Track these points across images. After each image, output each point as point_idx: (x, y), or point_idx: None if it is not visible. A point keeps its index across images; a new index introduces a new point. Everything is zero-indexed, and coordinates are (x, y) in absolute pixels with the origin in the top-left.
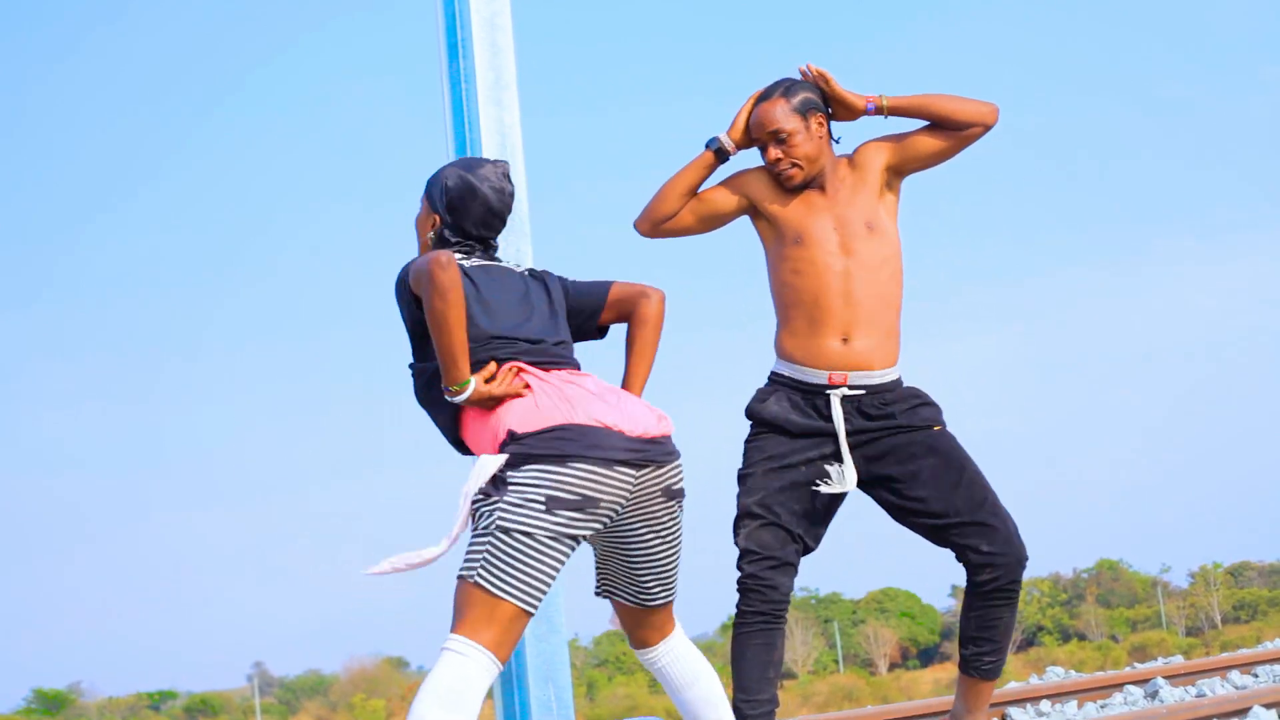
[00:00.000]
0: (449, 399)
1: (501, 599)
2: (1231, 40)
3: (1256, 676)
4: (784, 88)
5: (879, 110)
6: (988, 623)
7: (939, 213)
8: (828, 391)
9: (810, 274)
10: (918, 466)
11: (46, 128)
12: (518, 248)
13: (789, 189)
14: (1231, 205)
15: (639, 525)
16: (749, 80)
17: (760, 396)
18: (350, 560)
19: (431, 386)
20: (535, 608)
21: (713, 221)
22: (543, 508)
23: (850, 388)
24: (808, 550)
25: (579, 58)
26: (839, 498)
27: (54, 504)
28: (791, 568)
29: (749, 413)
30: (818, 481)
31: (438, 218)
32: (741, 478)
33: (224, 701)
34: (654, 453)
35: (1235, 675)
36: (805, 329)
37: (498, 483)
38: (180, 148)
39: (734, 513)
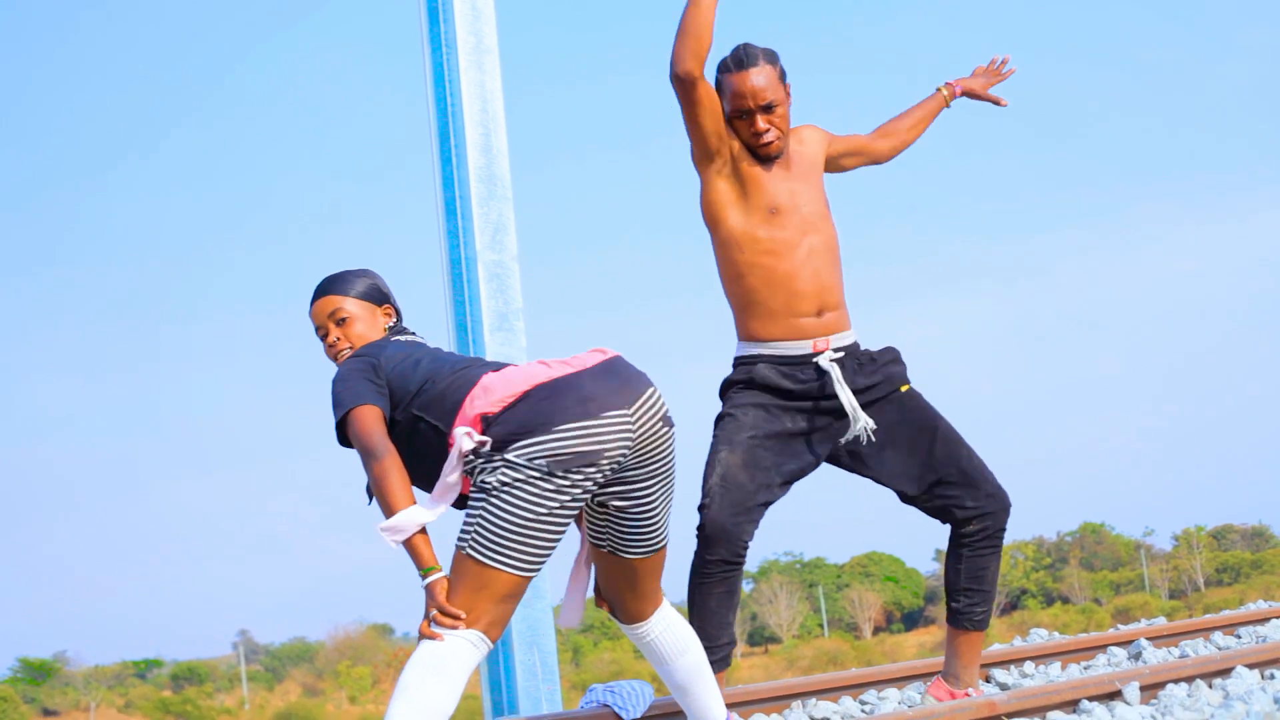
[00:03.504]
0: (424, 582)
1: (494, 569)
2: (1211, 2)
3: (1239, 638)
4: (765, 55)
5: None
6: (976, 573)
7: (921, 175)
8: (814, 359)
9: (784, 254)
10: (892, 422)
11: (44, 100)
12: (500, 212)
13: (769, 158)
14: (1213, 168)
15: (647, 461)
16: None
17: (739, 372)
18: (336, 529)
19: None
20: (534, 574)
21: (709, 111)
22: (544, 473)
23: (834, 350)
24: (772, 500)
25: (561, 23)
26: (809, 465)
27: (39, 472)
28: (757, 515)
29: (727, 382)
30: (830, 436)
31: (390, 307)
32: (720, 420)
33: (210, 669)
34: (630, 376)
35: (1218, 636)
36: (781, 308)
37: (489, 456)
38: (173, 120)
39: (710, 447)
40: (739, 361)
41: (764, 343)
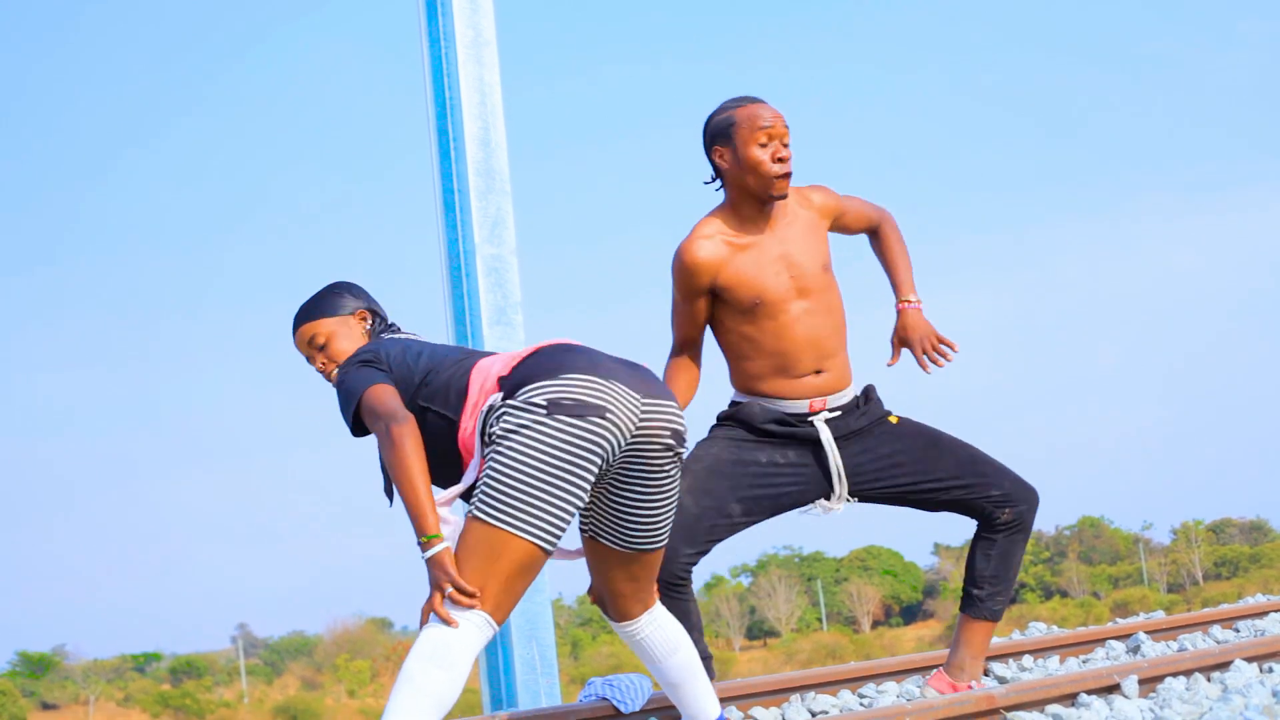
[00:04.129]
0: (424, 554)
1: (506, 532)
2: None
3: (1238, 631)
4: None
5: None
6: (1006, 560)
7: (919, 168)
8: (810, 419)
9: (771, 331)
10: (893, 450)
11: (42, 96)
12: (499, 206)
13: (774, 197)
14: (1213, 162)
15: (647, 466)
16: (729, 43)
17: (727, 410)
18: (334, 523)
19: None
20: (549, 544)
21: (703, 318)
22: (544, 410)
23: (830, 410)
24: (731, 524)
25: (561, 16)
26: (789, 496)
27: (38, 467)
28: (702, 540)
29: (722, 416)
30: (808, 503)
31: (364, 311)
32: (690, 454)
33: (209, 663)
34: (655, 380)
35: (1217, 630)
36: (772, 372)
37: (495, 406)
38: (172, 116)
39: None
40: (731, 404)
41: (759, 396)
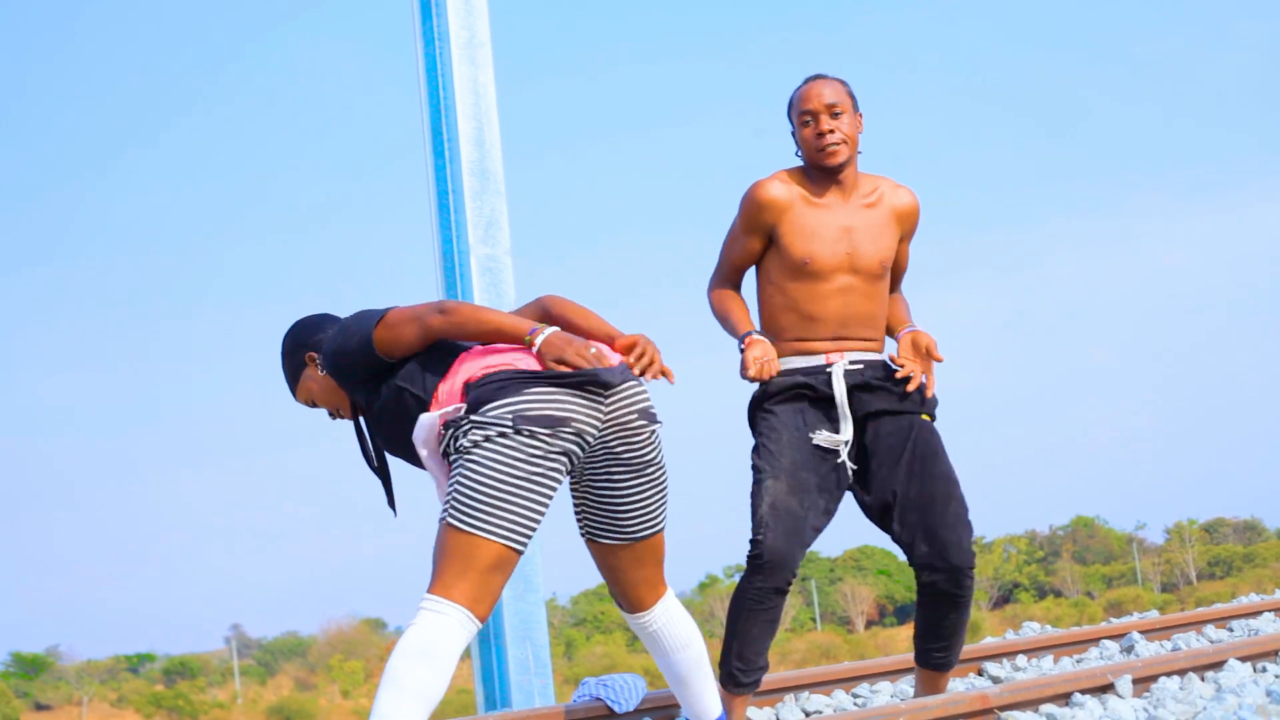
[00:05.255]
0: (531, 338)
1: (479, 537)
2: None
3: (1232, 631)
4: (836, 78)
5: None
6: (935, 622)
7: (914, 167)
8: (827, 369)
9: (811, 295)
10: (887, 455)
11: (40, 96)
12: (493, 207)
13: (829, 167)
14: (1207, 162)
15: (618, 451)
16: (725, 42)
17: (759, 391)
18: (328, 523)
19: (385, 421)
20: (520, 544)
21: (754, 257)
22: (509, 423)
23: (850, 363)
24: (820, 525)
25: (555, 16)
26: (846, 478)
27: (34, 466)
28: (809, 541)
29: (753, 402)
30: (812, 435)
31: (308, 354)
32: (756, 446)
33: (202, 664)
34: (617, 374)
35: (1210, 630)
36: (797, 329)
37: (459, 421)
38: (168, 116)
39: (751, 478)
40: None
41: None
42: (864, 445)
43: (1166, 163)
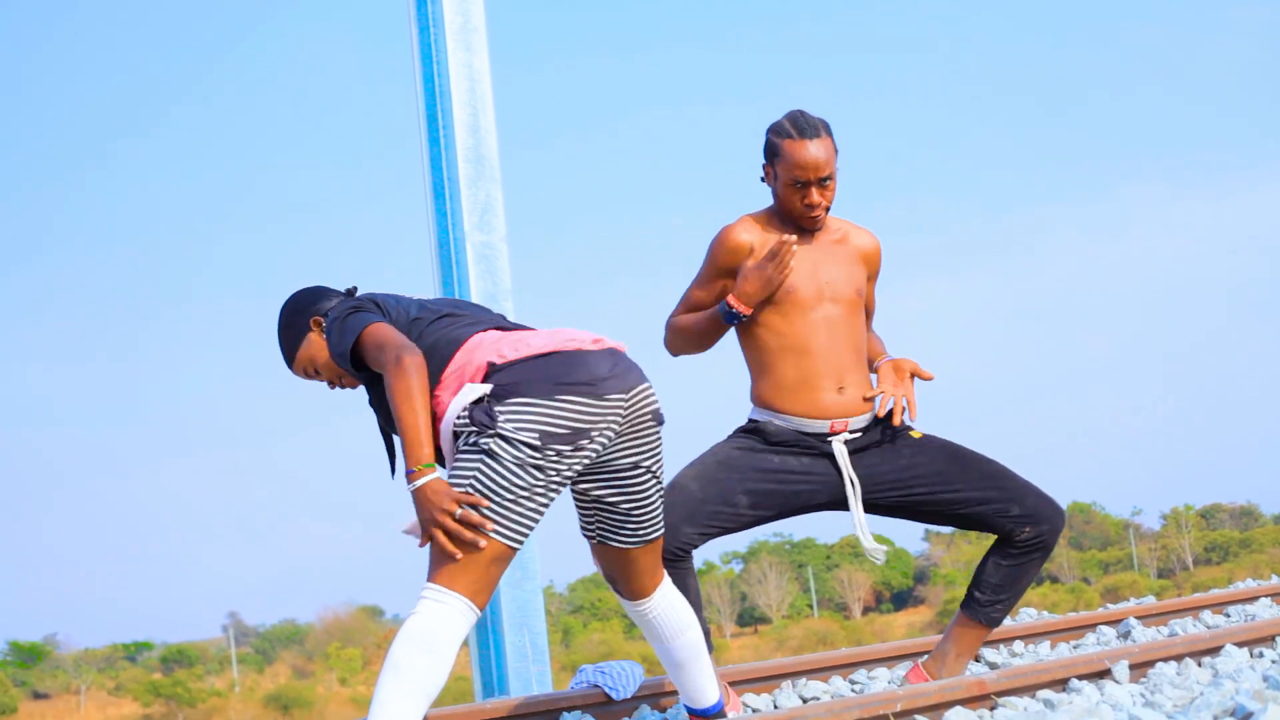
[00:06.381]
0: (409, 483)
1: (487, 538)
2: None
3: (1228, 616)
4: (825, 126)
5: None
6: (1016, 577)
7: (907, 153)
8: (829, 439)
9: (797, 328)
10: (911, 462)
11: (30, 88)
12: (488, 193)
13: (809, 231)
14: (1202, 148)
15: (632, 453)
16: (718, 29)
17: (747, 424)
18: (324, 511)
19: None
20: (518, 546)
21: (716, 297)
22: (534, 447)
23: (850, 432)
24: (737, 515)
25: (550, 2)
26: (800, 499)
27: (29, 458)
28: (704, 522)
29: (742, 430)
30: (820, 505)
31: (317, 317)
32: (704, 453)
33: (200, 652)
34: (629, 366)
35: (1207, 615)
36: (795, 380)
37: (482, 415)
38: (161, 109)
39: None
40: (750, 420)
41: (777, 414)
42: (877, 489)
43: (1161, 149)
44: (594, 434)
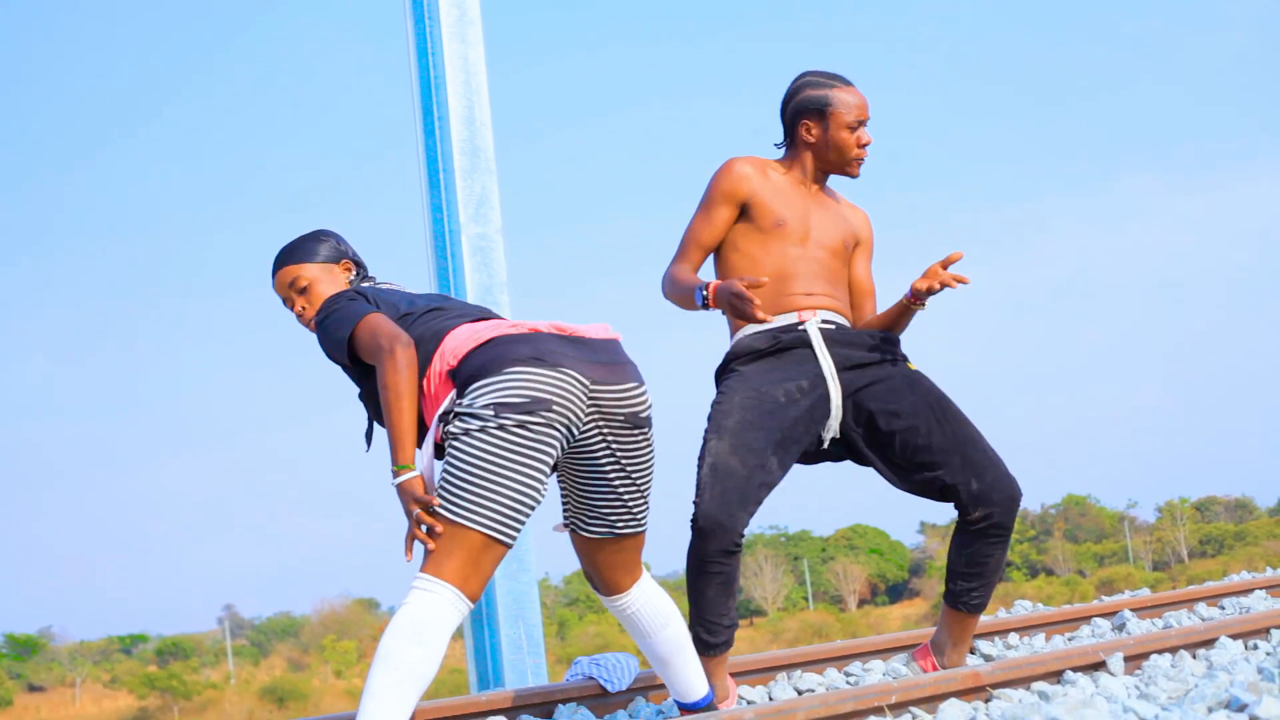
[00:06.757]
0: (394, 480)
1: (465, 526)
2: None
3: (1223, 609)
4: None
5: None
6: (978, 560)
7: (905, 145)
8: (800, 327)
9: (780, 254)
10: (900, 404)
11: (27, 83)
12: (484, 185)
13: (853, 176)
14: (1199, 140)
15: (607, 446)
16: (717, 22)
17: (726, 357)
18: (320, 503)
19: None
20: (508, 535)
21: (720, 233)
22: (491, 414)
23: (823, 322)
24: (772, 481)
25: None
26: (809, 439)
27: (25, 451)
28: (753, 501)
29: (718, 370)
30: (816, 431)
31: (349, 262)
32: (711, 408)
33: (195, 644)
34: (603, 353)
35: (1202, 608)
36: (767, 298)
37: (450, 416)
38: (157, 103)
39: (699, 445)
40: (725, 356)
41: (749, 327)
42: (858, 404)
43: (1157, 141)
44: (555, 405)
